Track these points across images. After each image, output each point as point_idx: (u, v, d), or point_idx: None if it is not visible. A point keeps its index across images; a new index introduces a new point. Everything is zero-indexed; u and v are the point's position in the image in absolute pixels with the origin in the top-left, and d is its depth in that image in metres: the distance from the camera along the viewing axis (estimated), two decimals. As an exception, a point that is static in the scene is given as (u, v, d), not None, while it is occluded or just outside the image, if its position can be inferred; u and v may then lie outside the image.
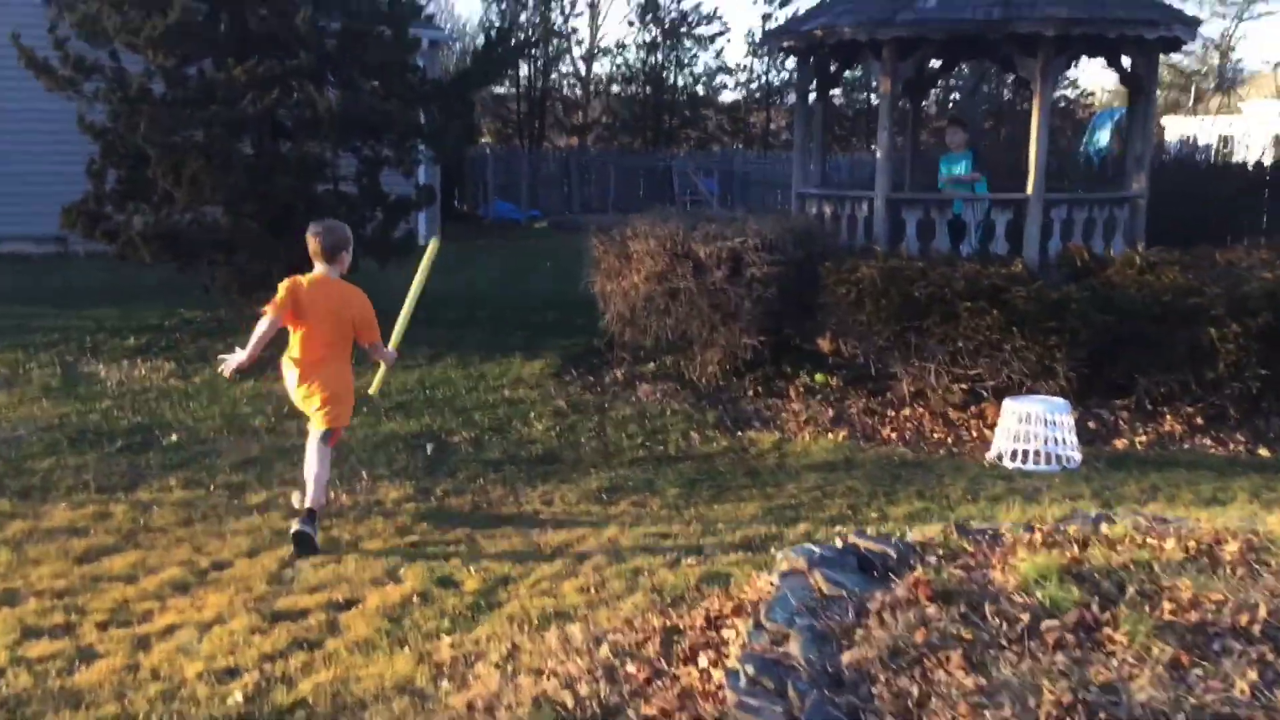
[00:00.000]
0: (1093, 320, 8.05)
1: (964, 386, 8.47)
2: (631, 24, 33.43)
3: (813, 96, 11.42)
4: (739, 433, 8.46)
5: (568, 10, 32.20)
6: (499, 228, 25.35)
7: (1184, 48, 11.04)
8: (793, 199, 11.27)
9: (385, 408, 8.78)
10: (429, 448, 7.84)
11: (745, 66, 34.92)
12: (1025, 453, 7.61)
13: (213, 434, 8.04)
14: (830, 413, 8.80)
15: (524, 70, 32.42)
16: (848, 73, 13.13)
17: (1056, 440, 7.59)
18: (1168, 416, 8.34)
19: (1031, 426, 7.60)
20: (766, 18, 34.52)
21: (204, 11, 9.99)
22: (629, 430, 8.38)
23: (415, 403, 9.00)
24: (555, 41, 32.45)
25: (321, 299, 6.13)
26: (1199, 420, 8.29)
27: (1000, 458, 7.73)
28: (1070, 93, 31.78)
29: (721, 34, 34.30)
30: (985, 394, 8.47)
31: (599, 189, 31.46)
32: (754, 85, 35.07)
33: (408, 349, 10.72)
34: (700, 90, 34.33)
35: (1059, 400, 7.75)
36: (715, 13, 33.78)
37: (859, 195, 10.55)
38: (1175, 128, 34.31)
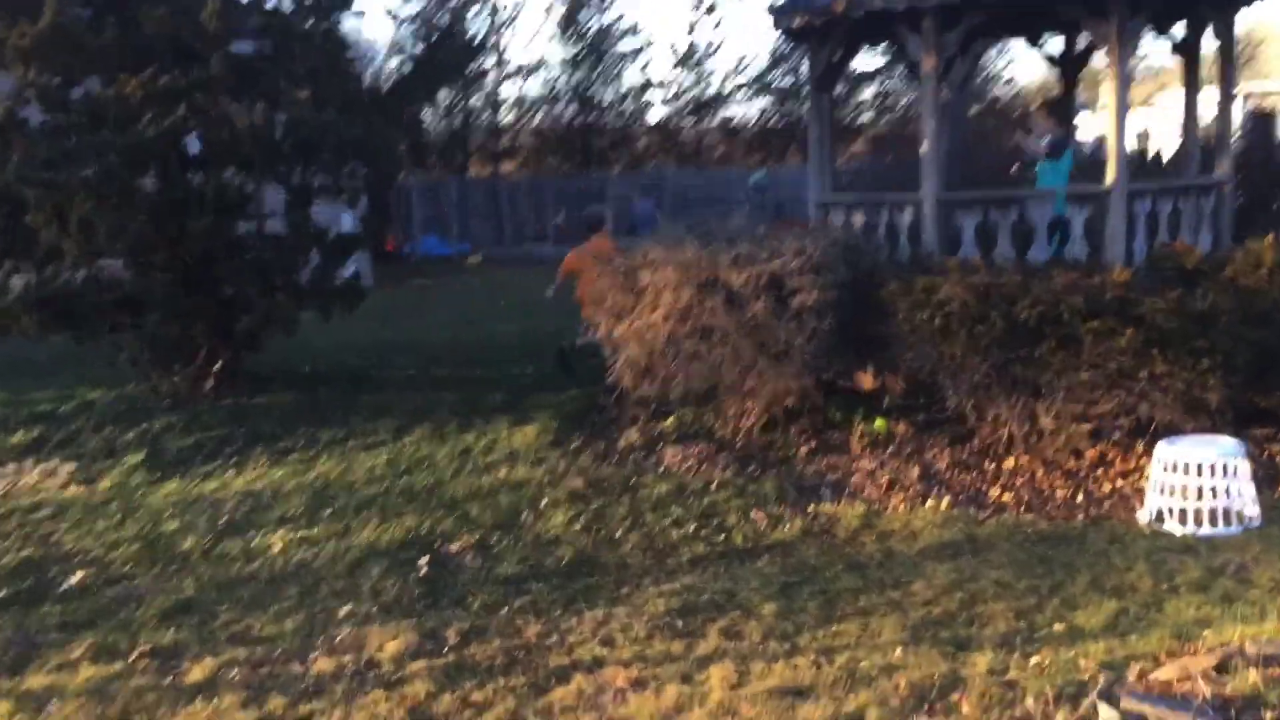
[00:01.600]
0: (1249, 336, 6.42)
1: (1086, 427, 6.78)
2: (552, 39, 31.61)
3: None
4: (811, 506, 6.65)
5: (485, 28, 30.26)
6: (430, 265, 23.35)
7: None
8: (811, 209, 9.53)
9: (353, 505, 6.81)
10: (422, 564, 5.90)
11: (673, 81, 33.33)
12: (1191, 512, 5.91)
13: (129, 566, 5.99)
14: (914, 471, 7.03)
15: (442, 93, 30.42)
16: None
17: (1231, 492, 5.91)
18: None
19: (1198, 478, 5.92)
20: (692, 29, 33.13)
21: (86, 15, 7.94)
22: (673, 514, 6.53)
23: (390, 496, 7.03)
24: (474, 62, 30.48)
25: None
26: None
27: (1160, 518, 6.03)
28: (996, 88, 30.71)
29: (645, 48, 32.68)
30: (1112, 434, 6.78)
31: (532, 216, 29.59)
32: (683, 100, 33.54)
33: (366, 422, 8.78)
34: (629, 106, 32.67)
35: (1229, 441, 6.09)
36: (635, 27, 32.21)
37: (900, 199, 8.85)
38: (1089, 126, 33.58)
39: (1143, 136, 13.99)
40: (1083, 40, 10.47)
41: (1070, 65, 10.54)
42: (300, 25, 8.26)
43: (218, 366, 9.15)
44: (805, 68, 32.47)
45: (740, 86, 33.09)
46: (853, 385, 8.58)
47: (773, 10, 9.21)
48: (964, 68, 10.79)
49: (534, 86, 32.29)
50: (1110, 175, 8.09)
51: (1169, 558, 5.51)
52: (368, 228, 9.73)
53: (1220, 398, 6.41)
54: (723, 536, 6.20)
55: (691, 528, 6.32)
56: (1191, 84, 9.56)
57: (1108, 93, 8.14)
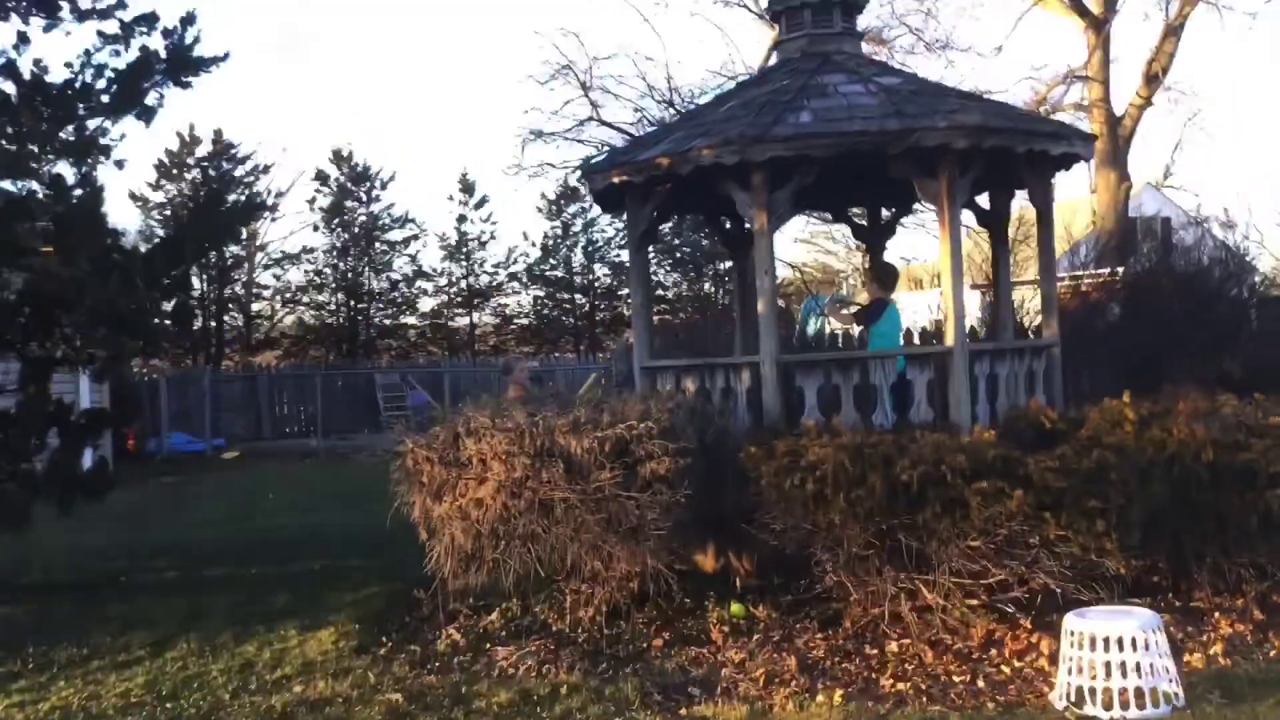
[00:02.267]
0: (1144, 494, 5.99)
1: (974, 602, 6.10)
2: (317, 228, 30.62)
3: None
4: (683, 709, 5.59)
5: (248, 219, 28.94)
6: (180, 463, 21.24)
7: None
8: (636, 375, 8.79)
9: (101, 745, 5.26)
10: (204, 819, 4.45)
11: (443, 271, 32.83)
12: (1115, 692, 5.25)
13: None
14: (790, 661, 6.12)
15: (196, 283, 28.63)
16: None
17: (1154, 670, 5.30)
18: (1240, 611, 6.34)
19: (1117, 653, 5.29)
20: (462, 220, 32.92)
21: None
22: (522, 730, 5.33)
23: (152, 729, 5.51)
24: (247, 224, 28.97)
25: None
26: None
27: (1079, 701, 5.32)
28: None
29: (416, 236, 32.15)
30: (1005, 608, 6.13)
31: (294, 409, 27.81)
32: (454, 290, 33.01)
33: (116, 636, 7.15)
34: (398, 296, 31.81)
35: (1145, 613, 5.51)
36: (407, 215, 31.71)
37: (736, 362, 8.25)
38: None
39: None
40: (886, 213, 10.48)
41: (876, 234, 10.48)
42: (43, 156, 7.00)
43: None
44: (577, 258, 32.99)
45: (513, 277, 32.93)
46: (695, 566, 7.73)
47: (587, 169, 8.68)
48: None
49: (297, 275, 31.03)
50: (950, 335, 7.77)
51: (1112, 747, 4.78)
52: (119, 404, 8.21)
53: (1117, 563, 5.89)
54: (588, 755, 5.04)
55: (547, 747, 5.14)
56: (1002, 251, 9.59)
57: (941, 255, 7.90)
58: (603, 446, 6.44)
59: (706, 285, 33.45)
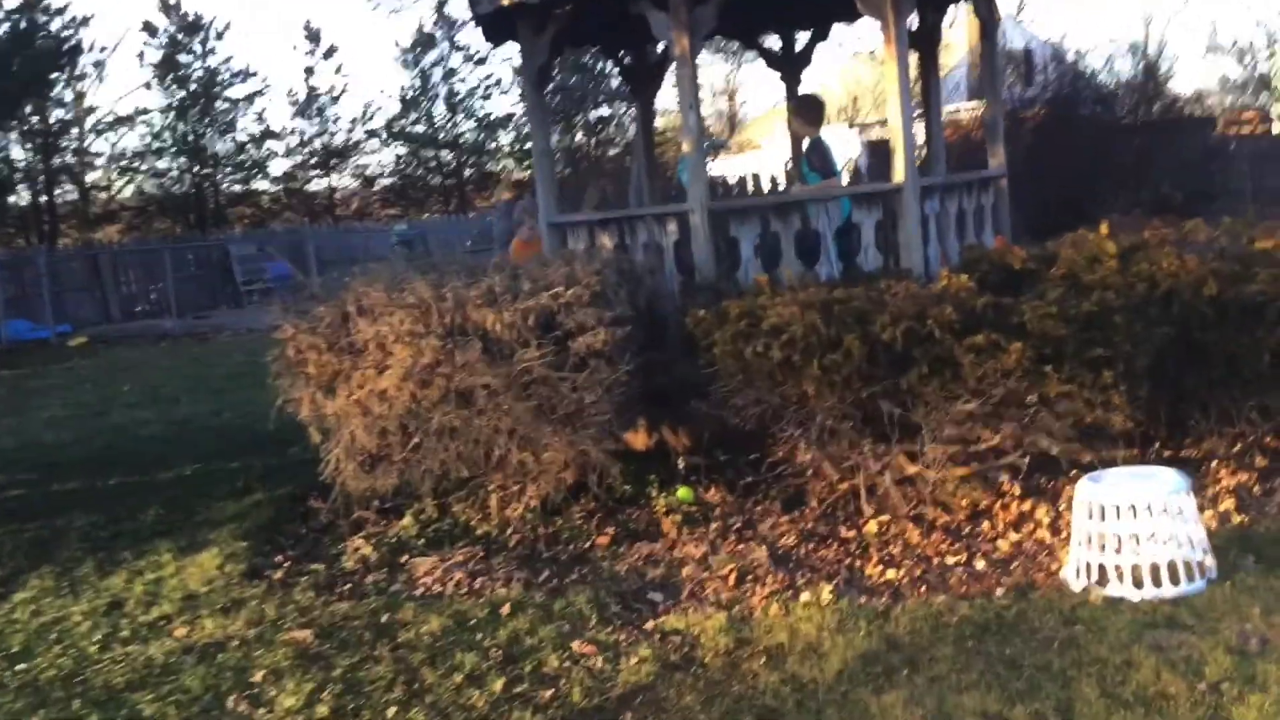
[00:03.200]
0: (1148, 337, 5.29)
1: (963, 471, 5.38)
2: (149, 87, 27.88)
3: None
4: (649, 621, 4.77)
5: (68, 73, 26.06)
6: (21, 353, 19.37)
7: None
8: (543, 230, 7.71)
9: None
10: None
11: (294, 130, 30.50)
12: (1146, 569, 4.60)
13: None
14: (759, 552, 5.33)
15: (17, 152, 25.94)
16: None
17: (1183, 539, 4.67)
18: (1239, 458, 5.78)
19: (1143, 522, 4.64)
20: (310, 72, 30.50)
21: None
22: (464, 665, 4.42)
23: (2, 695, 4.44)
24: (57, 111, 26.22)
25: None
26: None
27: (1101, 579, 4.67)
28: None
29: (261, 93, 29.68)
30: (997, 477, 5.43)
31: (142, 288, 25.78)
32: (308, 150, 30.78)
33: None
34: (247, 159, 29.46)
35: (1170, 475, 4.84)
36: (249, 69, 29.14)
37: (662, 212, 7.25)
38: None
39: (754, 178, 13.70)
40: (802, 39, 9.45)
41: (791, 62, 9.46)
42: None
43: None
44: (439, 111, 30.92)
45: (371, 134, 30.84)
46: (624, 445, 6.88)
47: (476, -13, 7.38)
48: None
49: (133, 140, 28.37)
50: (899, 171, 6.91)
51: (1162, 639, 4.12)
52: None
53: (1124, 419, 5.22)
54: (550, 692, 4.18)
55: (499, 684, 4.25)
56: (933, 75, 8.71)
57: (888, 78, 6.96)
58: (526, 320, 5.45)
59: (578, 136, 31.88)
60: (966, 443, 5.27)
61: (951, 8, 8.63)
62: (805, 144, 8.05)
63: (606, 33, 8.67)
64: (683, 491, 6.16)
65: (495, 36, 8.16)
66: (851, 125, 18.98)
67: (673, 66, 6.67)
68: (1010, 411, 5.19)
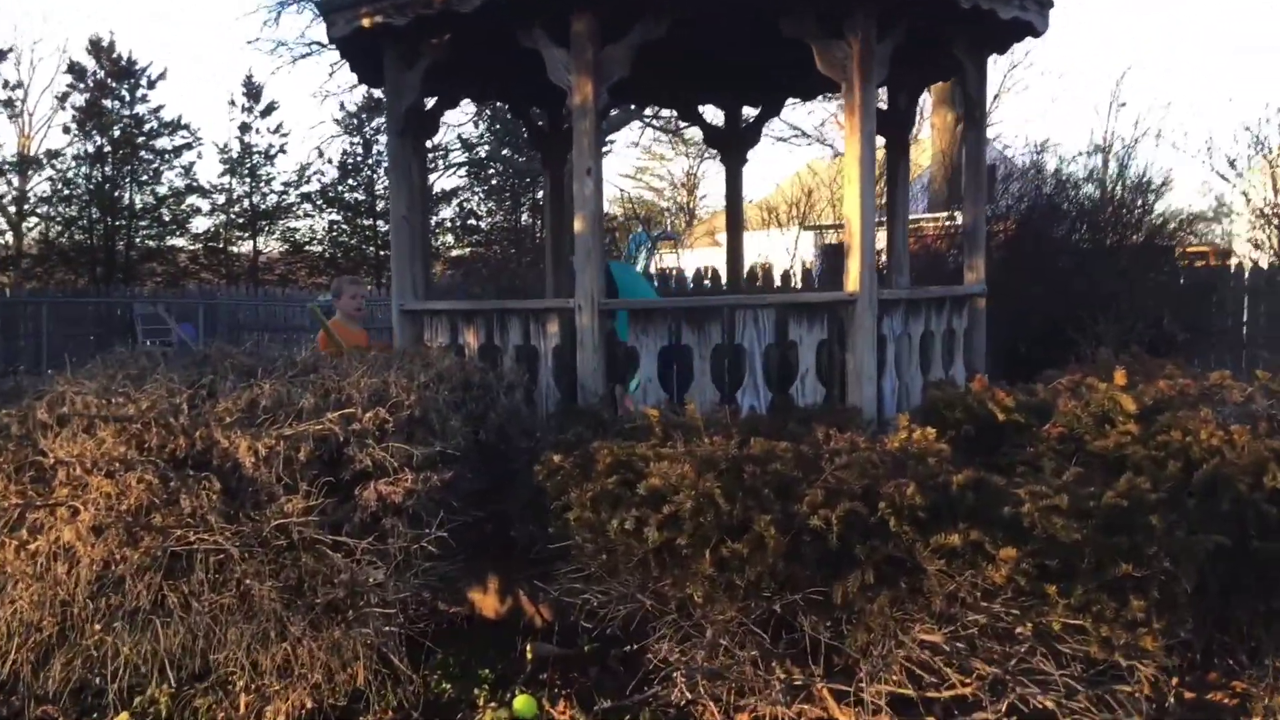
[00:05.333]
0: (1192, 547, 3.62)
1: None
2: (68, 130, 26.03)
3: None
4: None
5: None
6: None
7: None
8: (395, 321, 5.99)
9: None
10: None
11: (224, 187, 28.71)
12: None
13: None
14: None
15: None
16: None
17: None
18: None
19: None
20: (245, 129, 28.84)
21: None
22: None
23: None
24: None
25: None
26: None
27: None
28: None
29: (190, 146, 27.93)
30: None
31: (34, 341, 23.60)
32: (236, 210, 28.95)
33: None
34: (166, 215, 27.53)
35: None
36: (180, 120, 27.39)
37: (541, 307, 5.55)
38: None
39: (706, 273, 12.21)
40: (749, 113, 7.93)
41: (734, 139, 7.92)
42: None
43: None
44: (380, 180, 29.31)
45: (305, 197, 29.13)
46: (470, 608, 5.16)
47: (325, 6, 5.76)
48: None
49: (42, 185, 26.44)
50: (853, 276, 5.30)
51: None
52: None
53: (1155, 663, 3.52)
54: None
55: None
56: (901, 167, 7.18)
57: (848, 157, 5.39)
58: (295, 452, 3.67)
59: (525, 217, 30.43)
60: (923, 686, 3.54)
61: (925, 94, 7.13)
62: None
63: (510, 83, 7.09)
64: (520, 702, 4.34)
65: (365, 73, 6.54)
66: (804, 226, 17.56)
67: (583, 125, 5.07)
68: (991, 647, 3.48)
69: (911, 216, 10.44)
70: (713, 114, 8.15)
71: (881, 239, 7.07)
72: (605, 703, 4.12)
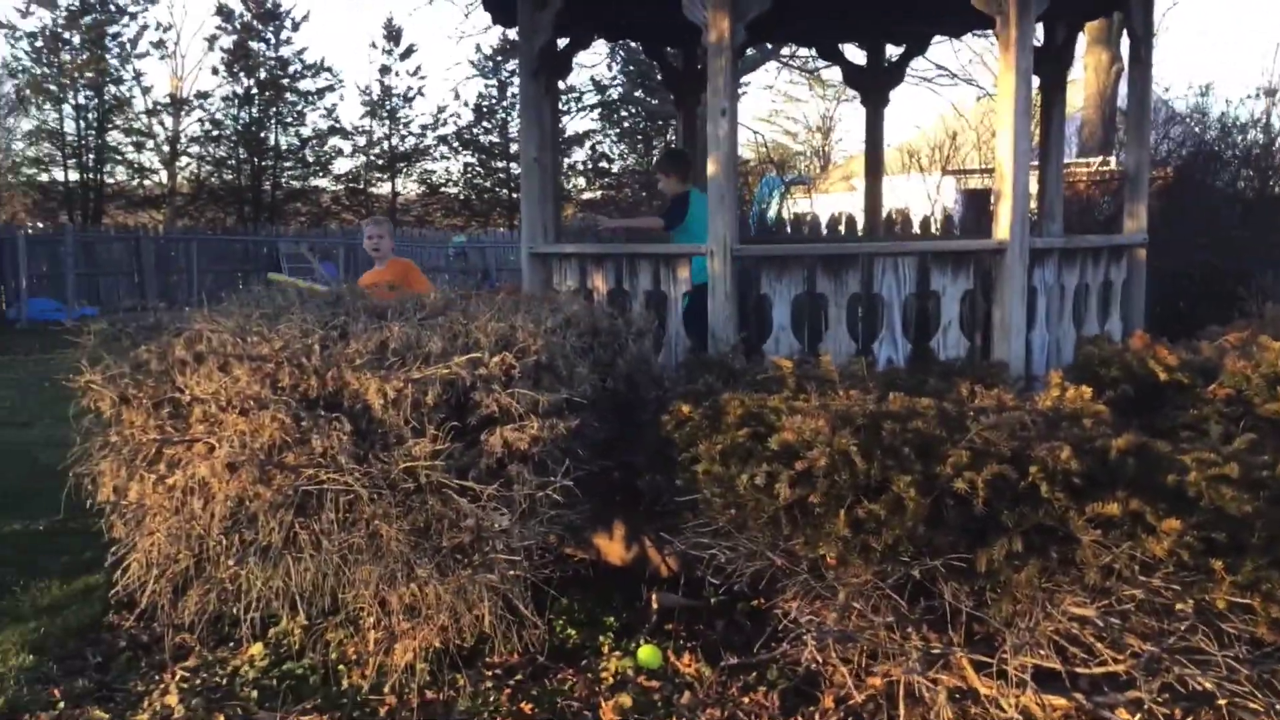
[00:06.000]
0: None
1: (1065, 702, 3.44)
2: (216, 71, 26.84)
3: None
4: None
5: (129, 48, 25.11)
6: (33, 334, 18.14)
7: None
8: (524, 264, 5.95)
9: None
10: None
11: (364, 129, 29.26)
12: None
13: None
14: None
15: (70, 126, 25.00)
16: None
17: None
18: None
19: None
20: (385, 71, 29.30)
21: None
22: None
23: None
24: (113, 89, 25.23)
25: None
26: None
27: None
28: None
29: (333, 88, 28.51)
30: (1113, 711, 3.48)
31: (185, 277, 24.59)
32: (375, 151, 29.50)
33: None
34: (310, 156, 28.22)
35: None
36: (323, 63, 27.97)
37: (671, 253, 5.43)
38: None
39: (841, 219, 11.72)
40: (892, 52, 7.59)
41: (876, 78, 7.59)
42: None
43: None
44: (514, 122, 29.44)
45: (441, 140, 29.49)
46: (596, 553, 5.13)
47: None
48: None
49: (191, 125, 27.35)
50: (1003, 224, 5.00)
51: None
52: None
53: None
54: None
55: None
56: (1057, 107, 6.77)
57: (1001, 96, 5.07)
58: (423, 395, 3.64)
59: (656, 159, 30.25)
60: (1070, 660, 3.34)
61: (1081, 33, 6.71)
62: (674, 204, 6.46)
63: (644, 21, 6.92)
64: (645, 652, 4.30)
65: (499, 11, 6.45)
66: (945, 171, 16.90)
67: (718, 64, 4.88)
68: (1147, 623, 3.25)
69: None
70: (853, 53, 7.82)
71: (1032, 184, 6.70)
72: (731, 658, 4.03)
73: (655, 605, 4.60)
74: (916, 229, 10.11)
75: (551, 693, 4.07)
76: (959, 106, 20.02)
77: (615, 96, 29.10)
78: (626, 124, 29.73)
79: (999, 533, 3.21)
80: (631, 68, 27.76)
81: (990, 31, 6.82)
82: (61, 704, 3.98)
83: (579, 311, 4.44)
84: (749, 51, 12.75)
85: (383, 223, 7.42)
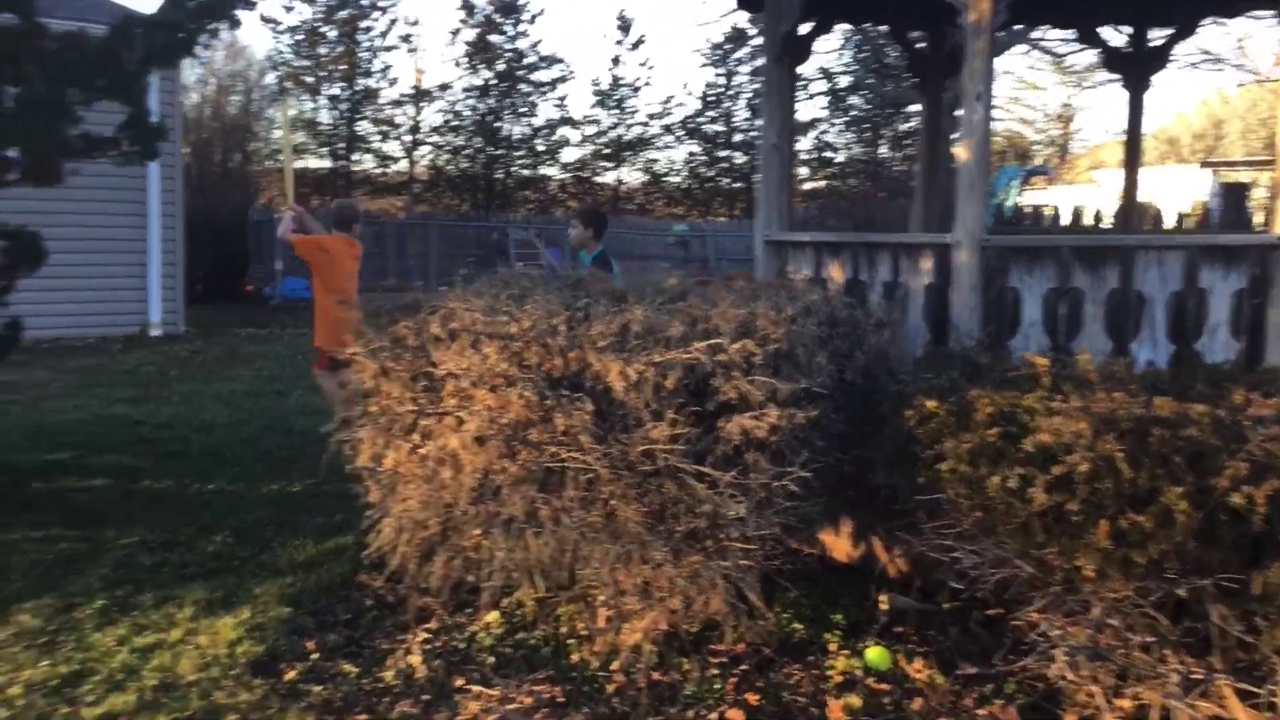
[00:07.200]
0: None
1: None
2: (458, 64, 28.01)
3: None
4: None
5: (378, 43, 26.51)
6: (285, 311, 19.40)
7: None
8: (758, 249, 5.91)
9: None
10: None
11: (592, 119, 29.92)
12: None
13: None
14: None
15: (325, 116, 26.59)
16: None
17: None
18: None
19: None
20: (616, 62, 29.84)
21: None
22: None
23: None
24: (363, 81, 26.67)
25: None
26: None
27: None
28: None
29: (564, 79, 29.25)
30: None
31: (420, 261, 25.78)
32: (602, 141, 30.10)
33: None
34: (540, 145, 29.05)
35: None
36: (556, 55, 28.76)
37: (914, 242, 5.28)
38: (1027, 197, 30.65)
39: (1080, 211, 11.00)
40: (1157, 35, 7.11)
41: (1137, 63, 7.14)
42: None
43: None
44: (740, 111, 29.38)
45: (667, 129, 29.80)
46: (820, 549, 5.05)
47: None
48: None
49: (431, 116, 28.59)
50: (1284, 218, 4.60)
51: None
52: (20, 244, 5.80)
53: None
54: None
55: None
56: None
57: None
58: (663, 379, 3.66)
59: (883, 149, 29.61)
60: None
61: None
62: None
63: (889, 4, 6.74)
64: (874, 653, 4.20)
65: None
66: (1204, 164, 15.82)
67: (976, 45, 4.70)
68: None
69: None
70: (1112, 36, 7.38)
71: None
72: (969, 668, 3.88)
73: (885, 606, 4.49)
74: (1167, 223, 9.48)
75: (777, 686, 4.03)
76: (1221, 93, 18.69)
77: (842, 86, 28.63)
78: (853, 113, 29.21)
79: (1278, 554, 2.96)
80: (864, 53, 27.24)
81: (1269, 12, 6.32)
82: (315, 655, 4.22)
83: (818, 300, 4.37)
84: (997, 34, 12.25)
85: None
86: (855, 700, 3.88)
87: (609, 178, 30.64)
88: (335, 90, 26.14)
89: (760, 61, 28.61)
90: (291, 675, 4.06)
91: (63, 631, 4.39)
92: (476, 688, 3.97)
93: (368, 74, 26.57)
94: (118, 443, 7.70)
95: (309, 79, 25.85)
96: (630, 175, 30.63)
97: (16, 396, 9.38)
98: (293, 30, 26.07)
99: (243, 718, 3.74)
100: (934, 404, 3.63)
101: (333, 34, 25.94)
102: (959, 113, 5.25)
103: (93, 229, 13.67)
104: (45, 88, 5.36)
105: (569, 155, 30.99)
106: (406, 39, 28.74)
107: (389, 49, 26.77)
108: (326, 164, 26.72)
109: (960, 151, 4.83)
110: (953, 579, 3.74)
